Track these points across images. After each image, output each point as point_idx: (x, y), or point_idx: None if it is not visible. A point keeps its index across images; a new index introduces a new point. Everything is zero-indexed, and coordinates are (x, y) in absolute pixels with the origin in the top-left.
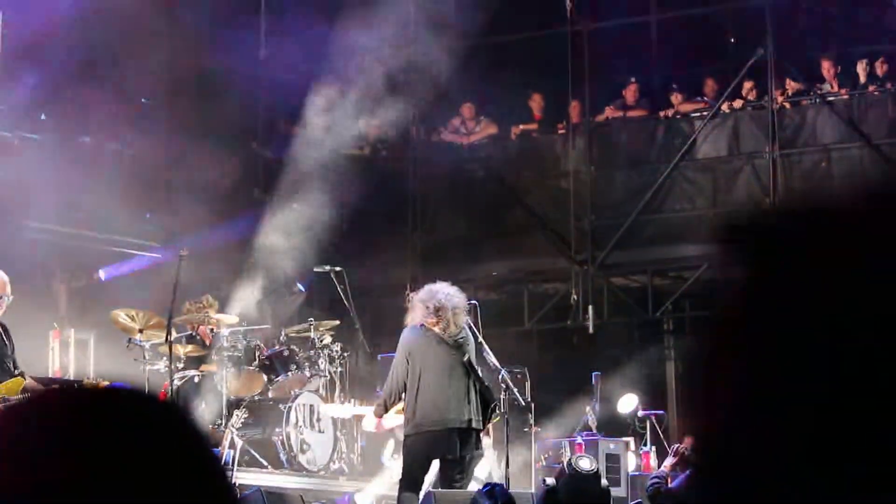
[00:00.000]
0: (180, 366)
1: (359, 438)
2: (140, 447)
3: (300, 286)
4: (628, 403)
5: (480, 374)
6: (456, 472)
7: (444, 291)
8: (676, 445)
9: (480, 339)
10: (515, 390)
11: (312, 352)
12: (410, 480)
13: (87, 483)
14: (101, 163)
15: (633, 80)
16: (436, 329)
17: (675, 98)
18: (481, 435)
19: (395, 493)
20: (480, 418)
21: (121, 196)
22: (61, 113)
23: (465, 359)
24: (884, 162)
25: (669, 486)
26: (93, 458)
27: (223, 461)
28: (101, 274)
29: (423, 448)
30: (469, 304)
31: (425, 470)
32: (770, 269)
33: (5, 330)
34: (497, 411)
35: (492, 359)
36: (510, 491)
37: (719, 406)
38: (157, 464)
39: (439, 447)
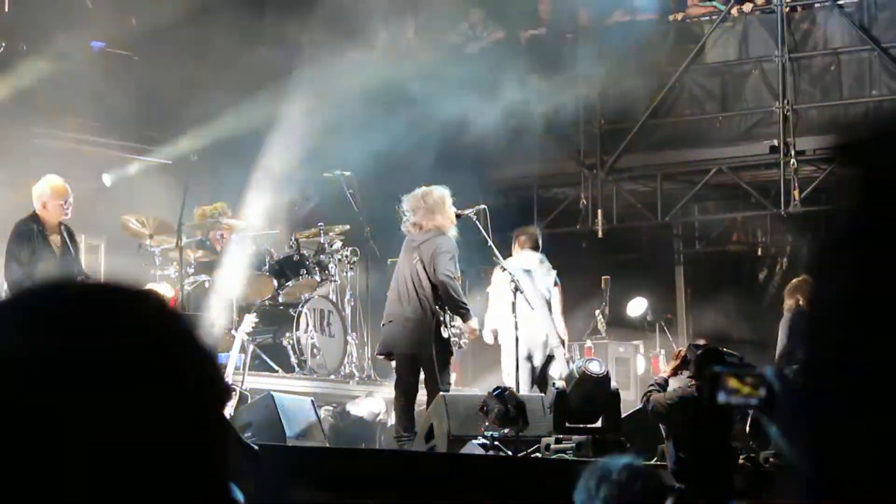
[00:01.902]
0: (191, 271)
1: (369, 343)
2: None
3: (312, 193)
4: (637, 307)
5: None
6: None
7: None
8: (679, 349)
9: (490, 243)
10: (525, 295)
11: (323, 256)
12: None
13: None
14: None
15: None
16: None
17: (691, 1)
18: None
19: None
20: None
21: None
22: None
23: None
24: (894, 66)
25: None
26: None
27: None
28: (106, 180)
29: None
30: (479, 208)
31: None
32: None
33: (70, 233)
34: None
35: (502, 263)
36: (520, 394)
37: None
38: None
39: None
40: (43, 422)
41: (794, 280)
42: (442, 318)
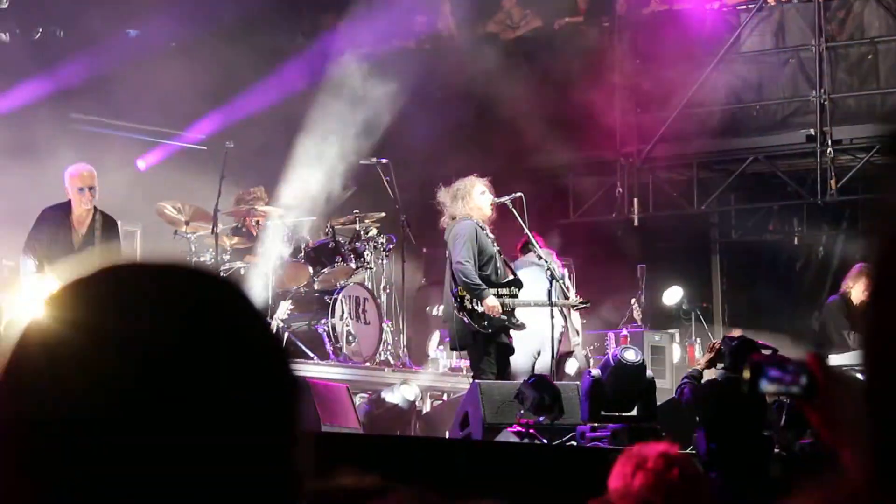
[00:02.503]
0: (226, 257)
1: (405, 330)
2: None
3: (351, 183)
4: (673, 296)
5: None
6: None
7: None
8: (714, 342)
9: (527, 231)
10: (562, 283)
11: (358, 243)
12: None
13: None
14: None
15: None
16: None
17: None
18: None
19: (441, 385)
20: None
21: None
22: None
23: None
24: None
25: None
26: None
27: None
28: (140, 164)
29: None
30: (515, 196)
31: None
32: None
33: (105, 223)
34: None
35: (538, 251)
36: (556, 382)
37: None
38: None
39: None
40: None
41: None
42: (466, 305)
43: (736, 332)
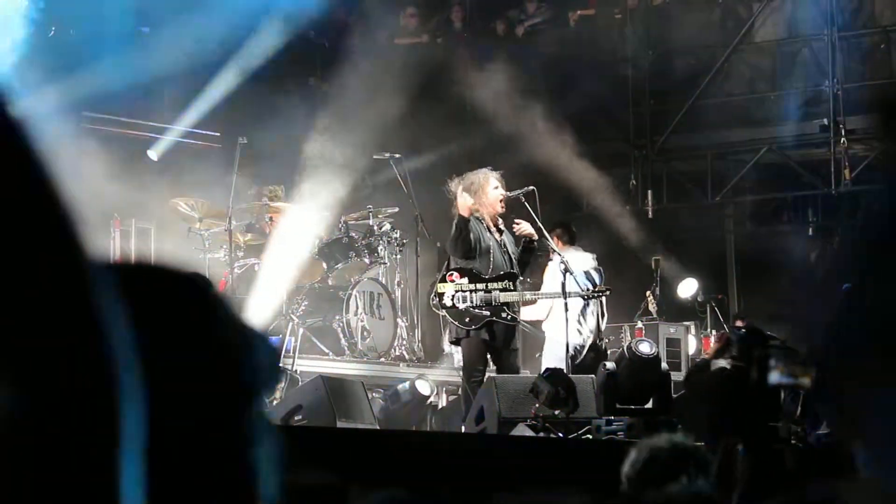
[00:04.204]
0: (240, 254)
1: (419, 325)
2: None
3: (368, 180)
4: (688, 288)
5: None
6: None
7: None
8: (723, 332)
9: (540, 225)
10: (576, 278)
11: (372, 238)
12: None
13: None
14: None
15: None
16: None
17: None
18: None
19: (456, 379)
20: None
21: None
22: None
23: None
24: None
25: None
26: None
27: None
28: (151, 154)
29: None
30: (527, 189)
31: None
32: None
33: None
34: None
35: (552, 245)
36: (570, 376)
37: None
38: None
39: None
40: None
41: None
42: (445, 303)
43: (739, 323)
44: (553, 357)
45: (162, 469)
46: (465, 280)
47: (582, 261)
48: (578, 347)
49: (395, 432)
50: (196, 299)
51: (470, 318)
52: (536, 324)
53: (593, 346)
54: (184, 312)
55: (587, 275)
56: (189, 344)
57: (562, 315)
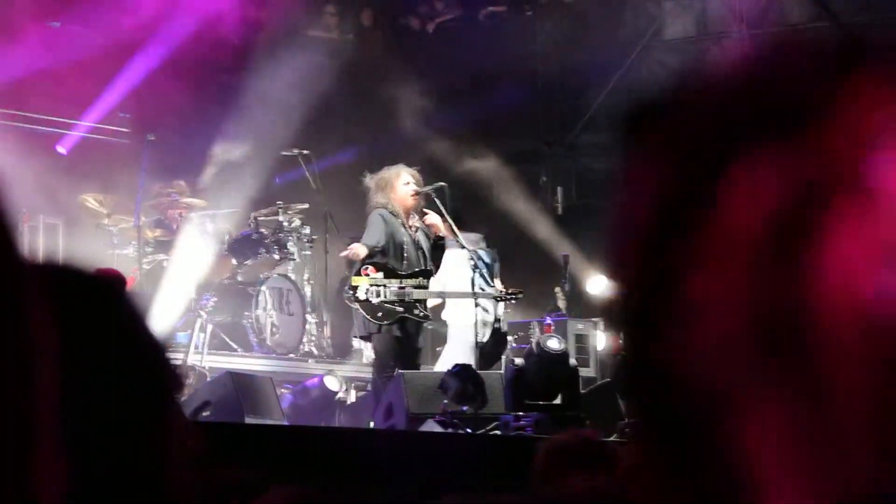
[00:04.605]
0: (149, 250)
1: (328, 321)
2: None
3: (277, 180)
4: (597, 284)
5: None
6: None
7: None
8: None
9: (449, 220)
10: (485, 272)
11: (281, 235)
12: None
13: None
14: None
15: None
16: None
17: None
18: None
19: (365, 375)
20: None
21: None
22: None
23: None
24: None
25: None
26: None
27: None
28: (60, 149)
29: None
30: (438, 185)
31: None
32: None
33: None
34: None
35: (461, 240)
36: (479, 371)
37: None
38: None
39: None
40: None
41: None
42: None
43: None
44: (459, 344)
45: (83, 468)
46: (380, 275)
47: (471, 241)
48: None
49: (303, 428)
50: (114, 301)
51: (383, 314)
52: (435, 311)
53: (494, 331)
54: (104, 315)
55: (476, 254)
56: (110, 345)
57: (461, 302)
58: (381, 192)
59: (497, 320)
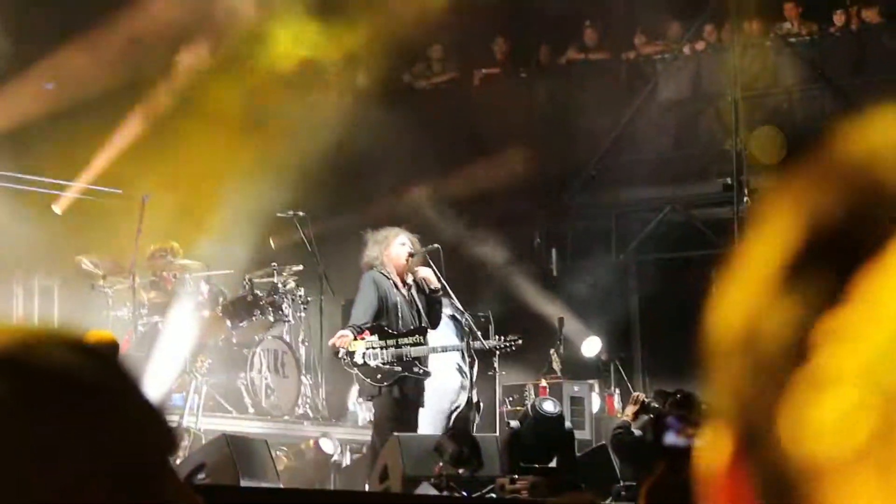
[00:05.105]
0: (144, 312)
1: (323, 383)
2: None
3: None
4: (592, 346)
5: None
6: None
7: None
8: (637, 394)
9: (444, 283)
10: (479, 334)
11: (276, 296)
12: None
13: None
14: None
15: (587, 22)
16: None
17: (638, 38)
18: None
19: (360, 437)
20: None
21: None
22: None
23: None
24: (846, 104)
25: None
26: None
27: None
28: (55, 209)
29: None
30: (432, 247)
31: None
32: None
33: None
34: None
35: (455, 303)
36: (474, 434)
37: None
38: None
39: None
40: None
41: None
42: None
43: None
44: (432, 410)
45: None
46: (375, 337)
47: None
48: (459, 391)
49: (299, 491)
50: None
51: (382, 375)
52: None
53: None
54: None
55: (469, 317)
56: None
57: (440, 368)
58: (376, 247)
59: (472, 386)
